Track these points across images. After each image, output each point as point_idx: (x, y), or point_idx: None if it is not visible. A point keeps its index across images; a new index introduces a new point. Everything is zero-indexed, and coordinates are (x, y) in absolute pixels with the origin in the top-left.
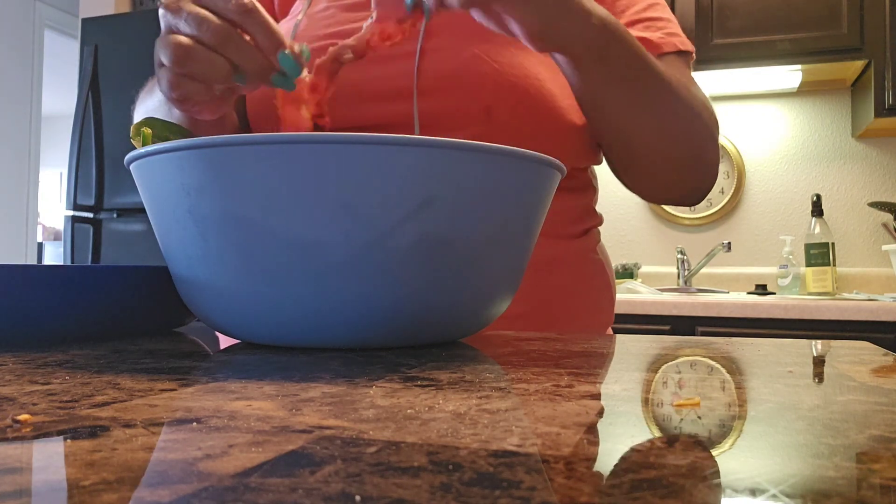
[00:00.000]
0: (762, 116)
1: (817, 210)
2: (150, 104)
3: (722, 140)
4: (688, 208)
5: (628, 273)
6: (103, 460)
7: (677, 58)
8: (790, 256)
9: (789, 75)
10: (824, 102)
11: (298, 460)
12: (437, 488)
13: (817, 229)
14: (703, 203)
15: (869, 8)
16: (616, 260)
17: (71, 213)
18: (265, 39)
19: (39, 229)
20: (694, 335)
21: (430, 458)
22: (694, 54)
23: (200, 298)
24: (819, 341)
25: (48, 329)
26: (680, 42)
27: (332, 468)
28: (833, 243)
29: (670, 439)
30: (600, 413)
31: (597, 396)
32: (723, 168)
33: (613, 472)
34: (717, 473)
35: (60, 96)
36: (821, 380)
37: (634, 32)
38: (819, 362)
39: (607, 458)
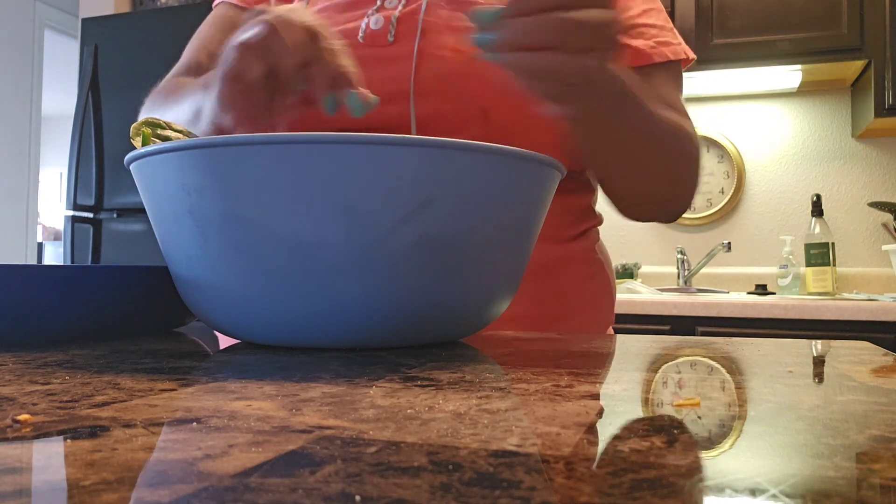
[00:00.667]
0: (762, 116)
1: (817, 210)
2: (180, 113)
3: (722, 140)
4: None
5: (628, 273)
6: (103, 460)
7: (666, 69)
8: (790, 256)
9: (789, 75)
10: (824, 102)
11: (298, 460)
12: (437, 488)
13: (817, 229)
14: (704, 203)
15: (869, 8)
16: (616, 260)
17: (71, 213)
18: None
19: (39, 229)
20: (694, 335)
21: (430, 458)
22: (687, 62)
23: (200, 298)
24: (819, 341)
25: (48, 329)
26: (671, 52)
27: (332, 468)
28: (833, 243)
29: (670, 439)
30: (600, 413)
31: (597, 396)
32: (723, 168)
33: (613, 472)
34: (717, 473)
35: (60, 96)
36: (821, 380)
37: (626, 40)
38: (819, 362)
39: (607, 458)
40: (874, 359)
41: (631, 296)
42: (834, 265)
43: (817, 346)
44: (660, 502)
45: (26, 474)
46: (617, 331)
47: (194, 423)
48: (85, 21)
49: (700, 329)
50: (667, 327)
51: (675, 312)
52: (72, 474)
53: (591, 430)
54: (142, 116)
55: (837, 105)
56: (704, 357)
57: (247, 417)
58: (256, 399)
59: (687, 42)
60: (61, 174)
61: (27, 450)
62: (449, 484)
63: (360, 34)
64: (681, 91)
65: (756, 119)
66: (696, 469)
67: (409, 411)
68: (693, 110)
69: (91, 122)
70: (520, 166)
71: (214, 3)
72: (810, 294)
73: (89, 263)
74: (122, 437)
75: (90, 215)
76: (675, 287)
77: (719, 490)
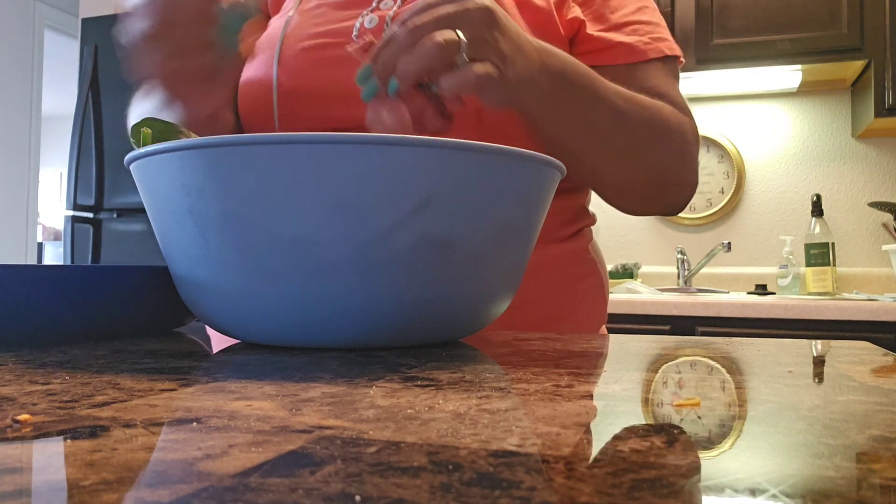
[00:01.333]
0: (762, 116)
1: (817, 210)
2: (147, 106)
3: (722, 140)
4: (688, 208)
5: (628, 273)
6: (103, 460)
7: (662, 64)
8: (790, 256)
9: (789, 75)
10: (824, 102)
11: (298, 460)
12: (437, 488)
13: (817, 229)
14: (703, 203)
15: (869, 8)
16: (616, 260)
17: (71, 213)
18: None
19: (39, 229)
20: (694, 335)
21: (430, 458)
22: (682, 59)
23: (200, 298)
24: (819, 341)
25: (48, 329)
26: (667, 47)
27: (332, 468)
28: (833, 243)
29: (670, 439)
30: (600, 413)
31: (597, 396)
32: (723, 168)
33: (613, 472)
34: (717, 473)
35: (60, 96)
36: (821, 380)
37: (620, 37)
38: (819, 362)
39: (607, 458)
40: (874, 359)
41: (631, 296)
42: (834, 265)
43: (817, 346)
44: (660, 502)
45: (26, 474)
46: (617, 331)
47: (194, 423)
48: (85, 21)
49: (700, 329)
50: (667, 327)
51: (675, 312)
52: (72, 474)
53: (591, 430)
54: (131, 115)
55: (837, 105)
56: (704, 357)
57: (247, 417)
58: (256, 399)
59: (687, 42)
60: (61, 174)
61: (27, 450)
62: (449, 484)
63: (354, 32)
64: (676, 87)
65: (756, 119)
66: (695, 469)
67: (409, 411)
68: (693, 110)
69: (91, 122)
70: (519, 166)
71: None
72: (810, 294)
73: (89, 263)
74: (122, 437)
75: (90, 215)
76: (675, 287)
77: (719, 490)
